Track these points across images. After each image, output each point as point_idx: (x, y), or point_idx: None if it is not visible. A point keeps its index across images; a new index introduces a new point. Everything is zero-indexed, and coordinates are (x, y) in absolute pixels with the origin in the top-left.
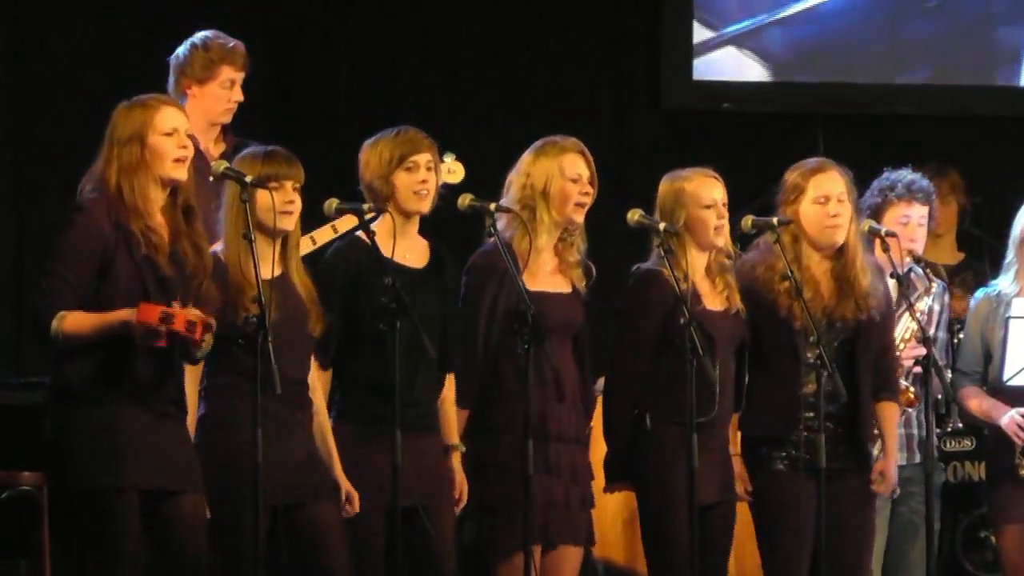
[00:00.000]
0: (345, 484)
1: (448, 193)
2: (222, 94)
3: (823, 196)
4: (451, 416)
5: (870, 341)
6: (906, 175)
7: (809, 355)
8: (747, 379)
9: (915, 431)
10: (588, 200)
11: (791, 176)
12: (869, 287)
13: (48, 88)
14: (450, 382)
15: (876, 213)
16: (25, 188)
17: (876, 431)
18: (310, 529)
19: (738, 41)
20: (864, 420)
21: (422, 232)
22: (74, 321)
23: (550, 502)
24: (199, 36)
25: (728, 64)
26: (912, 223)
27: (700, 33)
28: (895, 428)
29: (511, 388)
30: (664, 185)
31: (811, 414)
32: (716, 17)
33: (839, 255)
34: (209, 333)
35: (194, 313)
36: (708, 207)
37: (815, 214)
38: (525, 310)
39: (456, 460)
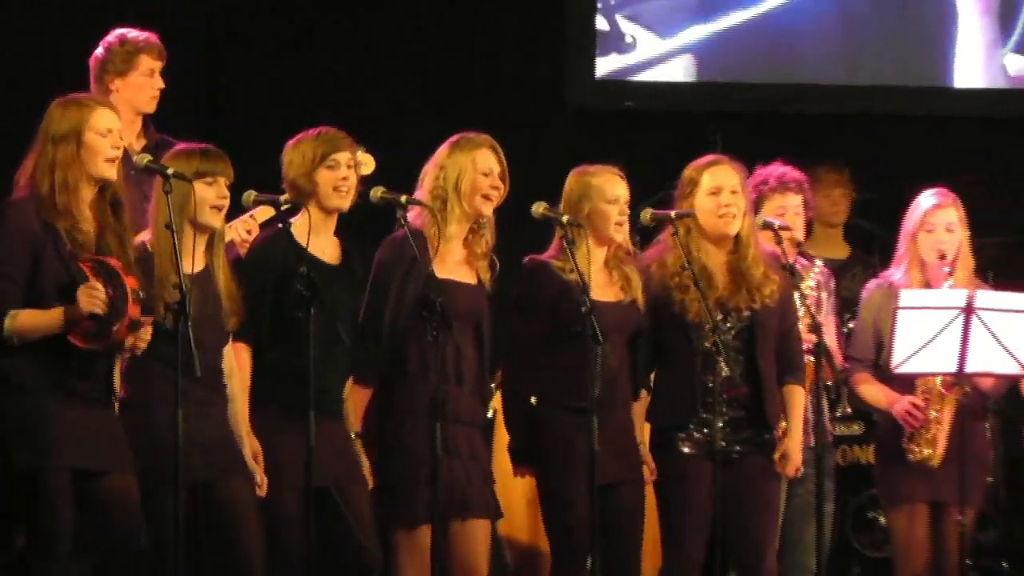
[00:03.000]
0: (253, 466)
1: (361, 185)
2: (144, 82)
3: (716, 188)
4: (357, 403)
5: (767, 329)
6: (777, 168)
7: (707, 344)
8: (652, 368)
9: (809, 415)
10: (497, 194)
11: (687, 171)
12: (762, 278)
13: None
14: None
15: (753, 208)
16: None
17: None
18: (226, 507)
19: (641, 42)
20: (767, 404)
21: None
22: (23, 320)
23: (453, 480)
24: (113, 34)
25: (631, 64)
26: (789, 213)
27: (603, 33)
28: (800, 411)
29: (415, 371)
30: (571, 178)
31: (711, 400)
32: (621, 17)
33: (735, 247)
34: (143, 335)
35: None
36: (611, 202)
37: (708, 205)
38: (434, 297)
39: (356, 444)
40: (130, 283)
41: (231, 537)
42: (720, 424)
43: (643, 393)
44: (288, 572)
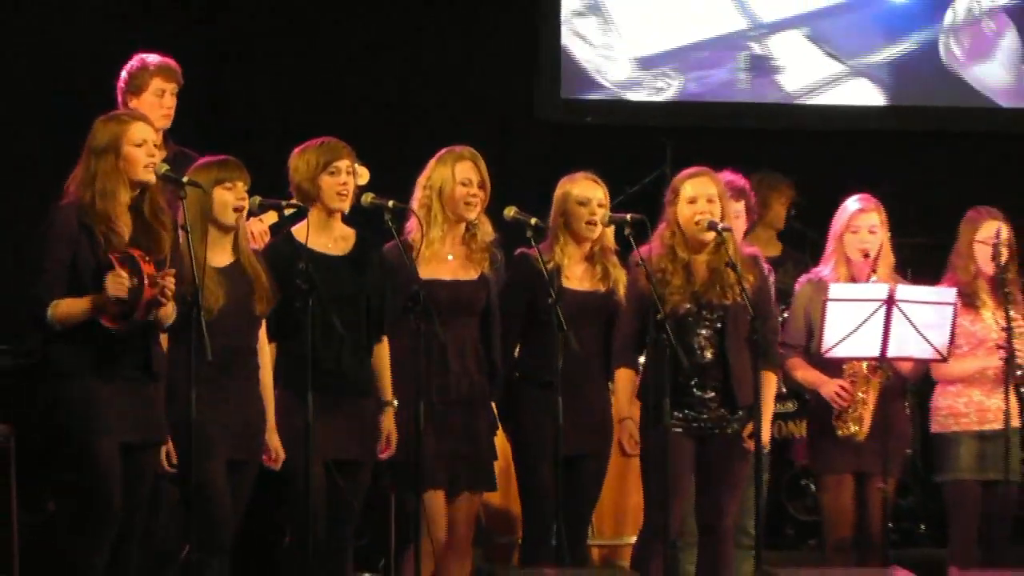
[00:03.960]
0: (274, 443)
1: (357, 192)
2: (155, 102)
3: (693, 197)
4: (384, 376)
5: (738, 322)
6: (724, 175)
7: (668, 335)
8: (639, 351)
9: None
10: (476, 201)
11: (674, 181)
12: (736, 276)
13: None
14: (381, 348)
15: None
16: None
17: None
18: (242, 485)
19: (601, 64)
20: (737, 387)
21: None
22: (64, 308)
23: (443, 455)
24: (135, 58)
25: (592, 83)
26: (729, 216)
27: (568, 58)
28: (772, 394)
29: (405, 360)
30: (559, 185)
31: (692, 382)
32: (584, 44)
33: (715, 248)
34: (169, 302)
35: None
36: (582, 204)
37: (687, 212)
38: (416, 292)
39: (388, 414)
40: (147, 269)
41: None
42: (704, 404)
43: (627, 373)
44: (301, 526)
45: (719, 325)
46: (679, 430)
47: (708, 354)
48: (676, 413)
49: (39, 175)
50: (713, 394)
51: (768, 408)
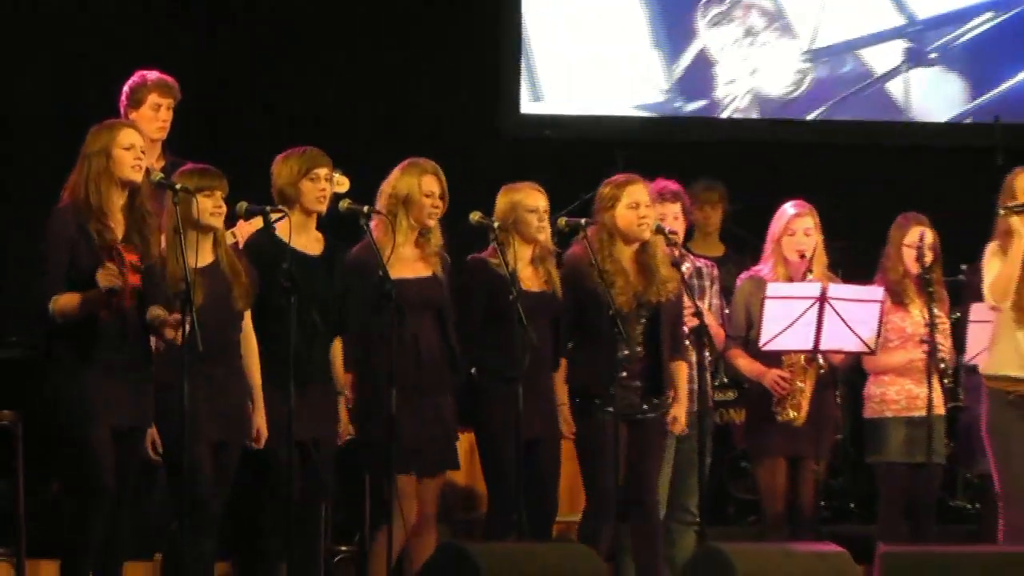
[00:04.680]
0: (259, 423)
1: (336, 199)
2: (151, 115)
3: (635, 202)
4: (338, 368)
5: (667, 317)
6: (659, 182)
7: (614, 328)
8: (570, 345)
9: (693, 385)
10: (438, 211)
11: (606, 188)
12: (666, 275)
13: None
14: (338, 343)
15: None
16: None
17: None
18: (226, 468)
19: (557, 83)
20: (663, 376)
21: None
22: (62, 303)
23: (417, 439)
24: (136, 74)
25: (550, 100)
26: (668, 218)
27: (527, 76)
28: (685, 382)
29: (379, 351)
30: (502, 193)
31: (624, 373)
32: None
33: (643, 249)
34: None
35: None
36: (531, 211)
37: (629, 216)
38: (388, 289)
39: (341, 402)
40: (129, 258)
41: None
42: (633, 391)
43: (562, 362)
44: (277, 496)
45: (648, 320)
46: (611, 414)
47: (639, 346)
48: (608, 399)
49: (43, 183)
50: (639, 383)
51: (684, 394)
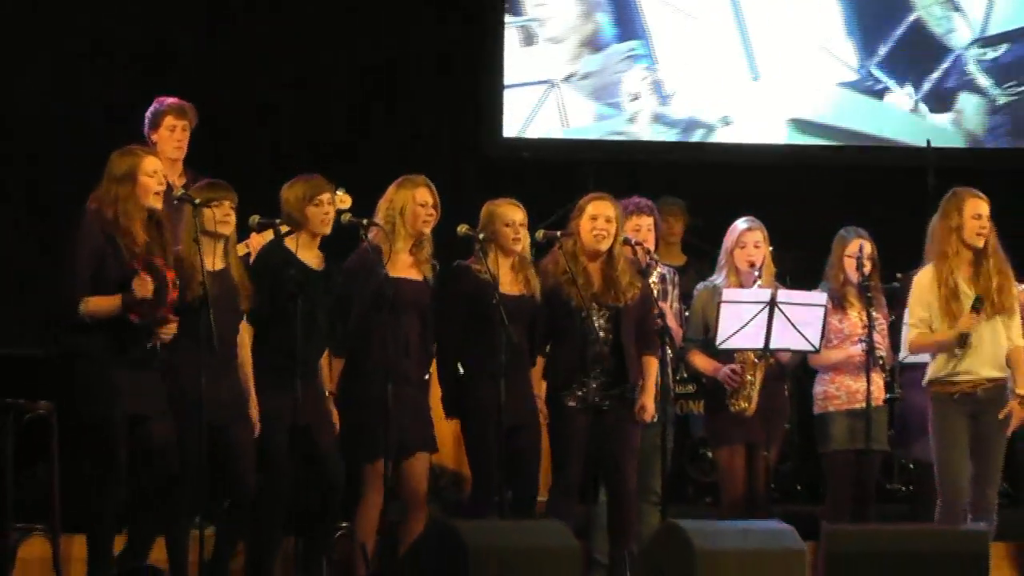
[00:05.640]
0: (254, 415)
1: (339, 213)
2: (168, 136)
3: (594, 215)
4: (326, 369)
5: (628, 318)
6: (633, 198)
7: (583, 326)
8: (547, 342)
9: (658, 378)
10: (432, 220)
11: (580, 202)
12: (627, 283)
13: (19, 121)
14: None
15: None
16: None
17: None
18: (232, 446)
19: (535, 109)
20: (628, 370)
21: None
22: (93, 304)
23: (401, 426)
24: (156, 100)
25: (532, 125)
26: (643, 230)
27: (508, 103)
28: (654, 375)
29: (374, 346)
30: (485, 208)
31: (595, 370)
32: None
33: (607, 258)
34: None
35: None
36: (508, 225)
37: (587, 228)
38: (387, 291)
39: (329, 401)
40: (170, 275)
41: (234, 469)
42: (594, 385)
43: (540, 359)
44: (275, 488)
45: (610, 320)
46: (577, 405)
47: (602, 344)
48: (577, 392)
49: (43, 183)
50: (603, 378)
51: (651, 386)
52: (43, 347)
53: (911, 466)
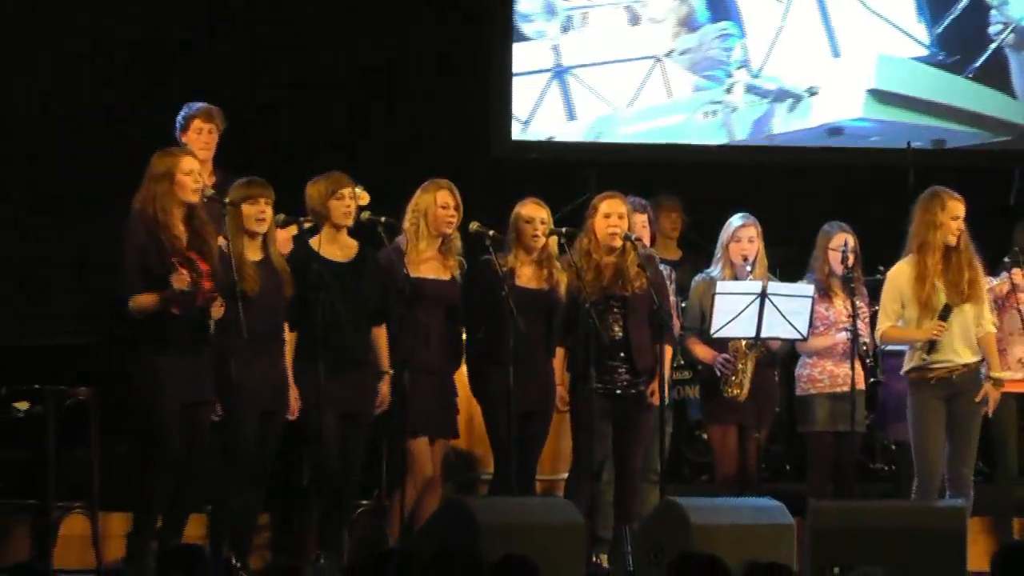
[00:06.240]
0: (293, 396)
1: (359, 211)
2: (196, 138)
3: (607, 213)
4: (382, 351)
5: (637, 308)
6: (630, 197)
7: (591, 319)
8: (570, 332)
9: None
10: (454, 221)
11: (593, 201)
12: (635, 274)
13: (19, 121)
14: (380, 330)
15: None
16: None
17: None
18: (269, 437)
19: (541, 114)
20: (639, 358)
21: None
22: (139, 301)
23: (426, 411)
24: (186, 104)
25: (537, 127)
26: (637, 226)
27: (517, 103)
28: (668, 362)
29: (395, 337)
30: (515, 207)
31: (612, 359)
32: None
33: (621, 252)
34: (220, 304)
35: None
36: (527, 222)
37: (601, 225)
38: (403, 286)
39: (385, 380)
40: (204, 267)
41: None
42: (614, 375)
43: (562, 350)
44: (322, 463)
45: (623, 311)
46: (596, 391)
47: (617, 333)
48: (595, 381)
49: (43, 183)
50: (621, 364)
51: (665, 371)
52: (97, 338)
53: (893, 447)
